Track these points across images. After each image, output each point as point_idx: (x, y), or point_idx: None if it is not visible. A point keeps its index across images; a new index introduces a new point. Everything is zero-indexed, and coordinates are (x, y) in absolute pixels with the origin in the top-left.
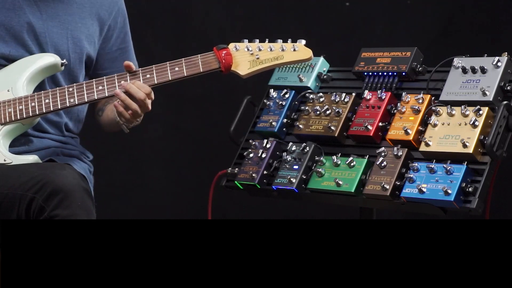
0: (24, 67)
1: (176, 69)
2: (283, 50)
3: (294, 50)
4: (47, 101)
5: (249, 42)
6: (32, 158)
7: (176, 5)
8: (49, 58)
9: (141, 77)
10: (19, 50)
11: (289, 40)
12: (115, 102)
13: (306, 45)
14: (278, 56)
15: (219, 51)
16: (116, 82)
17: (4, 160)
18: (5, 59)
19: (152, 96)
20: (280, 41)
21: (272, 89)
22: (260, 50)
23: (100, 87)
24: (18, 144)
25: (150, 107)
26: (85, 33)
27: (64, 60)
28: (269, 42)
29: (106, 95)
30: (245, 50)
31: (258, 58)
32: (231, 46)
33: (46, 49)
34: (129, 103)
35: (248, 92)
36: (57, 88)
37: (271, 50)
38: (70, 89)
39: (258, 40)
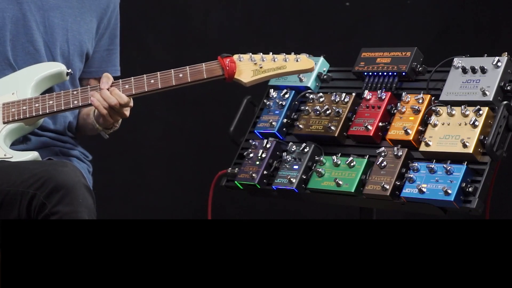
0: (30, 75)
1: (181, 75)
2: (286, 61)
3: (297, 61)
4: (51, 102)
5: (252, 54)
6: (32, 155)
7: (176, 5)
8: (55, 67)
9: (145, 82)
10: (20, 39)
11: (292, 53)
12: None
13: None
14: (281, 66)
15: (223, 59)
16: (121, 86)
17: (5, 155)
18: (6, 47)
19: (131, 104)
20: (283, 54)
21: (272, 89)
22: (263, 60)
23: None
24: (17, 143)
25: (127, 114)
26: (84, 27)
27: (70, 70)
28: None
29: None
30: (248, 60)
31: (261, 68)
32: (235, 56)
33: (46, 39)
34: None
35: (248, 92)
36: (62, 91)
37: (274, 60)
38: (75, 92)
39: (261, 53)
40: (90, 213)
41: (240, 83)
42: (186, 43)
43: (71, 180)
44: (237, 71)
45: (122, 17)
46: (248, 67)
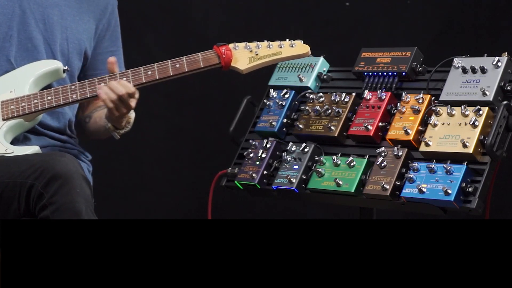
0: (28, 73)
1: (177, 65)
2: (281, 47)
3: (292, 46)
4: (49, 98)
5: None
6: (33, 149)
7: (176, 5)
8: (52, 65)
9: (142, 73)
10: (20, 35)
11: (287, 39)
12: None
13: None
14: (276, 52)
15: (219, 48)
16: (118, 78)
17: (5, 151)
18: (6, 43)
19: (137, 95)
20: (278, 41)
21: (272, 89)
22: (258, 47)
23: (103, 84)
24: (17, 142)
25: (133, 105)
26: (83, 26)
27: (66, 67)
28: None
29: None
30: (244, 48)
31: (257, 55)
32: (231, 45)
33: (46, 36)
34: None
35: (248, 92)
36: (60, 86)
37: (269, 47)
38: (73, 87)
39: (257, 41)
40: (87, 204)
41: (236, 71)
42: (186, 43)
43: (69, 170)
44: (233, 59)
45: (122, 17)
46: (244, 55)
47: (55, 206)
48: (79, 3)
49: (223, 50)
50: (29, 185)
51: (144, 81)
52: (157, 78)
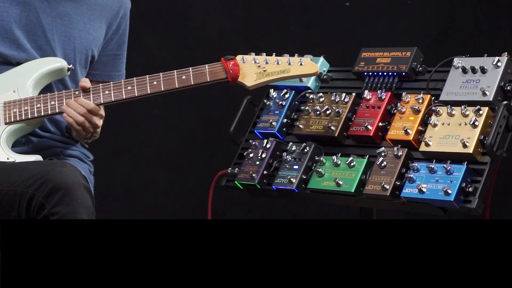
0: (31, 70)
1: (183, 77)
2: (289, 64)
3: (301, 64)
4: (52, 103)
5: (256, 55)
6: (34, 158)
7: (176, 5)
8: (56, 63)
9: (148, 83)
10: (26, 44)
11: (296, 55)
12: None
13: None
14: (284, 70)
15: (227, 62)
16: (123, 88)
17: (7, 159)
18: (13, 52)
19: (102, 113)
20: (287, 55)
21: (272, 89)
22: (267, 63)
23: (107, 92)
24: (18, 144)
25: (98, 123)
26: (93, 35)
27: (71, 66)
28: (276, 56)
29: (113, 99)
30: (252, 62)
31: (265, 71)
32: (239, 58)
33: (53, 46)
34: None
35: (248, 92)
36: (63, 91)
37: (278, 63)
38: (77, 92)
39: (265, 53)
40: (89, 214)
41: (243, 86)
42: (186, 43)
43: (70, 181)
44: (240, 74)
45: None
46: (251, 70)
47: (57, 217)
48: (91, 10)
49: (230, 65)
50: (29, 195)
51: (149, 92)
52: (162, 90)
